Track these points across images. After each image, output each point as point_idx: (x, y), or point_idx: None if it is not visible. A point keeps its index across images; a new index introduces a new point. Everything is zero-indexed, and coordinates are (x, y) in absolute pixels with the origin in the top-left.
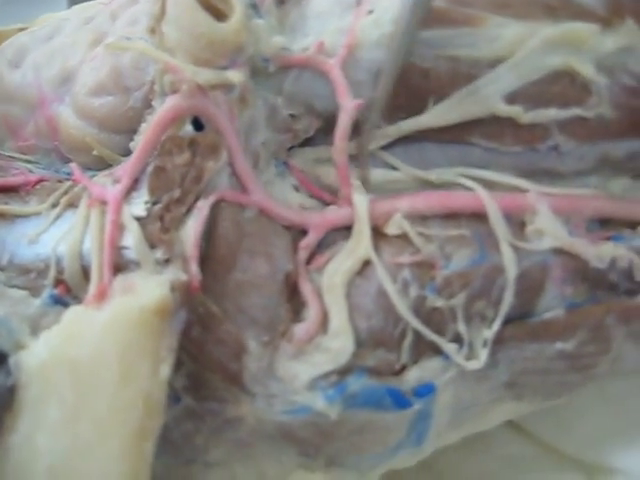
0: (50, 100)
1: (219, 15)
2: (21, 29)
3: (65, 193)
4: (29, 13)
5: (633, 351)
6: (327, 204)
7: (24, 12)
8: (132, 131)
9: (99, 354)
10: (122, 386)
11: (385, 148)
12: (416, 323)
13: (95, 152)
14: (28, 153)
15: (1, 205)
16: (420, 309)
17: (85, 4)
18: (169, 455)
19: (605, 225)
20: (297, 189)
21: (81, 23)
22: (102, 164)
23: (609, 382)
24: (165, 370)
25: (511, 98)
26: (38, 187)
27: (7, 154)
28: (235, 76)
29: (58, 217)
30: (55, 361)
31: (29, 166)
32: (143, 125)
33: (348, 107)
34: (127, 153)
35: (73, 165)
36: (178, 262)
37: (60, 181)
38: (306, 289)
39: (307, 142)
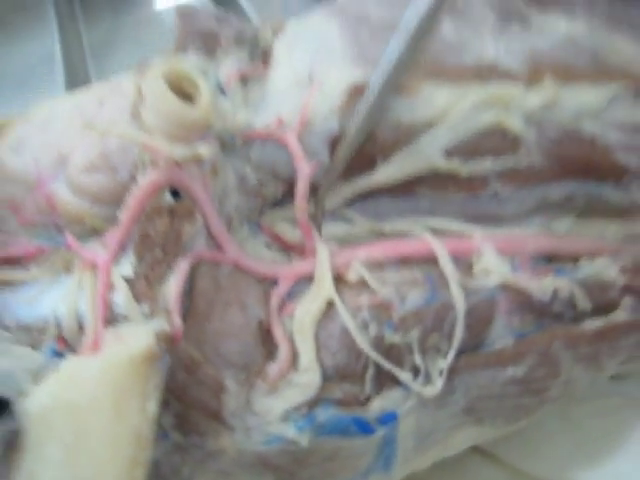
0: (47, 180)
1: (189, 97)
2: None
3: (60, 260)
4: (26, 97)
5: (583, 373)
6: (294, 258)
7: (21, 96)
8: (120, 202)
9: (94, 397)
10: (115, 424)
11: (344, 204)
12: (376, 357)
13: (92, 222)
14: (28, 227)
15: (5, 274)
16: (379, 345)
17: (77, 92)
18: None
19: (549, 261)
20: (268, 246)
21: (72, 111)
22: (95, 232)
23: (571, 407)
24: (152, 407)
25: (449, 153)
26: (38, 256)
27: (9, 230)
28: (206, 150)
29: (55, 281)
30: (54, 405)
31: (29, 238)
32: (128, 196)
33: (304, 172)
34: (116, 221)
35: (67, 234)
36: (162, 315)
37: (57, 249)
38: (278, 333)
39: (275, 203)
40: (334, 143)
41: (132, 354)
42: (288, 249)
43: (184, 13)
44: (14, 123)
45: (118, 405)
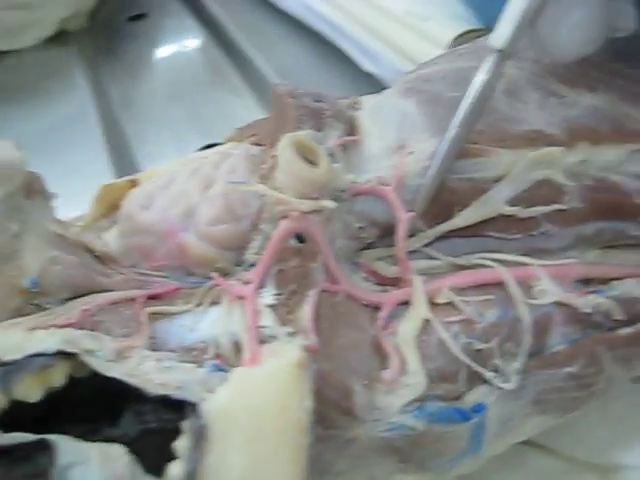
0: (178, 230)
1: (312, 163)
2: (131, 181)
3: (205, 295)
4: (67, 147)
5: (621, 371)
6: (389, 289)
7: (64, 146)
8: (242, 248)
9: (265, 396)
10: (282, 417)
11: (427, 245)
12: (466, 361)
13: (218, 265)
14: (160, 271)
15: (162, 308)
16: (468, 351)
17: (186, 158)
18: (309, 469)
19: (586, 283)
20: (366, 280)
21: (189, 173)
22: (221, 273)
23: (607, 403)
24: (309, 404)
25: (512, 202)
26: (177, 294)
27: (145, 272)
28: (327, 204)
29: (205, 312)
30: (233, 404)
31: (164, 279)
32: (254, 242)
33: (404, 218)
34: (238, 264)
35: (214, 274)
36: (302, 334)
37: (191, 288)
38: (388, 346)
39: (369, 246)
40: None
41: (290, 363)
42: (383, 282)
43: (291, 93)
44: (124, 183)
45: (284, 402)
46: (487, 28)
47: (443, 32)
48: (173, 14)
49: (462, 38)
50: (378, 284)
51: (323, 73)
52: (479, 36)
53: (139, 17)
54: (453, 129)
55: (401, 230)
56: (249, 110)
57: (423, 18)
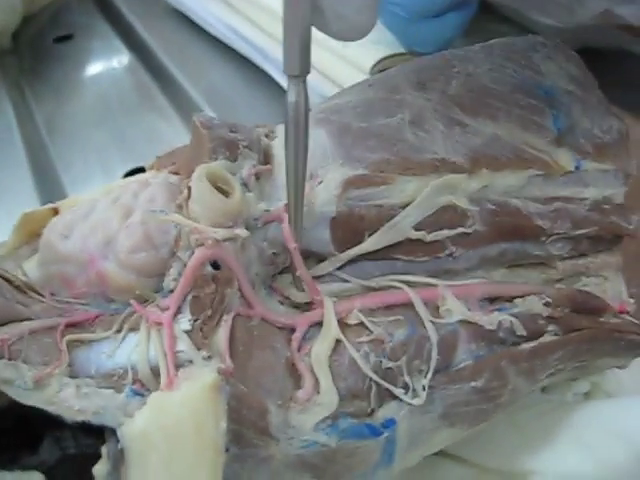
0: (97, 259)
1: (225, 192)
2: (52, 209)
3: (124, 321)
4: None
5: (524, 383)
6: (303, 311)
7: None
8: (161, 275)
9: (181, 418)
10: (198, 438)
11: (339, 269)
12: (377, 379)
13: (137, 292)
14: (80, 299)
15: (79, 335)
16: (378, 370)
17: (107, 186)
18: None
19: (492, 301)
20: (281, 303)
21: (109, 202)
22: (140, 300)
23: (515, 414)
24: (224, 425)
25: (419, 226)
26: (97, 321)
27: (65, 300)
28: (240, 232)
29: (124, 338)
30: (150, 427)
31: (84, 307)
32: (172, 270)
33: (292, 248)
34: (157, 290)
35: (133, 301)
36: (217, 358)
37: (112, 315)
38: (302, 367)
39: (284, 270)
40: (333, 223)
41: (205, 386)
42: (297, 305)
43: (207, 125)
44: (46, 211)
45: (199, 424)
46: (408, 52)
47: (364, 57)
48: (100, 35)
49: (383, 63)
50: (294, 307)
51: (249, 95)
52: (402, 60)
53: (65, 38)
54: (289, 158)
55: (294, 258)
56: (176, 133)
57: (343, 44)
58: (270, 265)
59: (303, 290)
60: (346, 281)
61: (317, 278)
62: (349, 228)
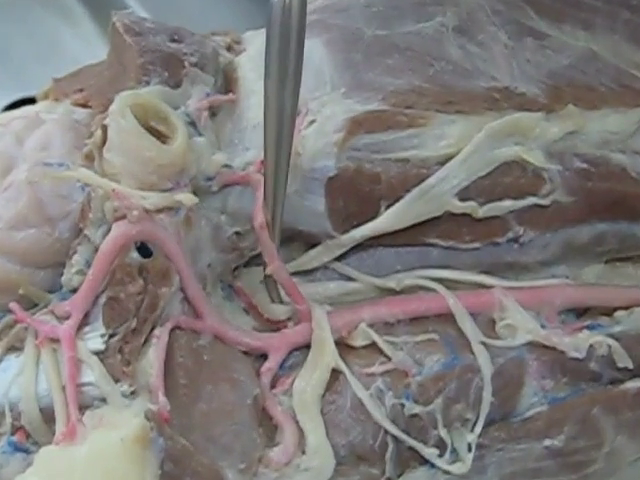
0: None
1: (162, 136)
2: None
3: (1, 336)
4: None
5: (629, 443)
6: (280, 326)
7: None
8: (59, 264)
9: None
10: None
11: (339, 259)
12: (396, 432)
13: (21, 291)
14: None
15: None
16: (398, 417)
17: None
18: None
19: (581, 314)
20: (247, 312)
21: None
22: (27, 303)
23: None
24: None
25: (464, 194)
26: None
27: None
28: (185, 199)
29: (1, 362)
30: None
31: None
32: (75, 257)
33: (257, 225)
34: (54, 289)
35: (14, 305)
36: (145, 393)
37: None
38: (276, 412)
39: (251, 261)
40: (330, 187)
41: (124, 437)
42: (266, 321)
43: (134, 30)
44: None
45: None
46: None
47: None
48: None
49: None
50: (267, 319)
51: None
52: None
53: None
54: (270, 85)
55: (265, 243)
56: (84, 42)
57: None
58: (231, 252)
59: (279, 296)
60: (350, 279)
61: (304, 274)
62: (355, 195)
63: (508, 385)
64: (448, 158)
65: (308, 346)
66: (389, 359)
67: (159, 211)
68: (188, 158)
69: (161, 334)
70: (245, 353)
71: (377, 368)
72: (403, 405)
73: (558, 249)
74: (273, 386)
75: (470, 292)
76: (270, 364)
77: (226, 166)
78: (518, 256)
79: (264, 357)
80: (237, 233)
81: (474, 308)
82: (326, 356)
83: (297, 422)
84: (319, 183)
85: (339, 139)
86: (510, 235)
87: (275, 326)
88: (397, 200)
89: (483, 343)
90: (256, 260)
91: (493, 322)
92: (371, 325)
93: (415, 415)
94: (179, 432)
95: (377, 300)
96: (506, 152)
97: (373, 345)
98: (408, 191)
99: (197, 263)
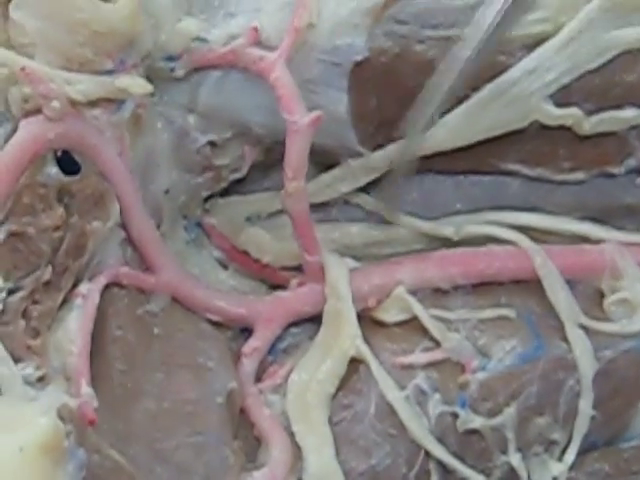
0: None
1: None
2: None
3: None
4: None
5: None
6: (275, 285)
7: None
8: None
9: None
10: None
11: (366, 190)
12: (443, 455)
13: None
14: None
15: None
16: (448, 434)
17: None
18: None
19: None
20: (224, 264)
21: None
22: None
23: None
24: None
25: (563, 97)
26: None
27: None
28: (133, 85)
29: None
30: None
31: None
32: None
33: (302, 124)
34: None
35: None
36: (60, 381)
37: None
38: (261, 418)
39: (234, 188)
40: (361, 74)
41: (23, 444)
42: (260, 271)
43: None
44: None
45: None
46: None
47: None
48: None
49: None
50: (251, 274)
51: None
52: None
53: None
54: None
55: (295, 150)
56: None
57: None
58: (201, 173)
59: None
60: (382, 221)
61: (313, 211)
62: (395, 91)
63: (619, 392)
64: (540, 40)
65: (314, 319)
66: (437, 344)
67: (92, 104)
68: (139, 24)
69: (89, 293)
70: (218, 326)
71: (418, 357)
72: (456, 415)
73: None
74: (259, 378)
75: (567, 247)
76: (256, 343)
77: (199, 39)
78: None
79: (247, 333)
80: (212, 144)
81: (572, 272)
82: (343, 337)
83: (292, 434)
84: (341, 71)
85: (374, 4)
86: (632, 163)
87: (264, 283)
88: (460, 102)
89: (583, 326)
90: (240, 187)
91: (601, 295)
92: (413, 292)
93: (474, 431)
94: (110, 442)
95: (424, 255)
96: (630, 35)
97: (414, 322)
98: (477, 89)
99: (149, 187)
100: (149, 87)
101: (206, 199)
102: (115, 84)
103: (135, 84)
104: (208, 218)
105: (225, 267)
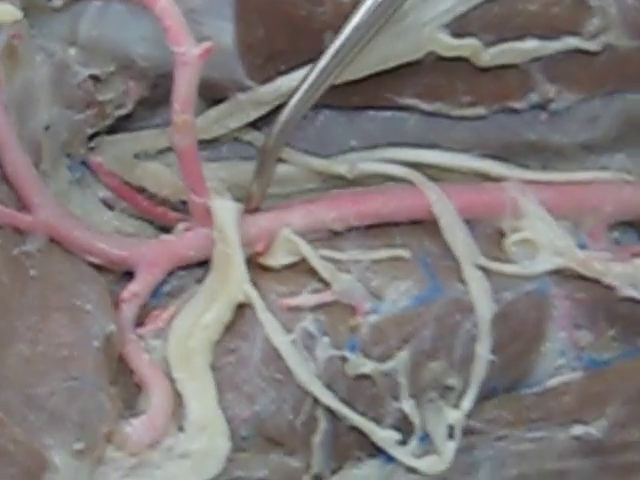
0: None
1: None
2: None
3: None
4: None
5: None
6: (162, 227)
7: None
8: None
9: None
10: None
11: (258, 127)
12: (332, 401)
13: None
14: None
15: None
16: (337, 379)
17: None
18: None
19: None
20: (109, 204)
21: None
22: None
23: None
24: None
25: (460, 26)
26: None
27: None
28: (4, 11)
29: None
30: None
31: None
32: None
33: (191, 56)
34: None
35: None
36: None
37: None
38: (141, 363)
39: (121, 125)
40: (247, 3)
41: None
42: (145, 211)
43: None
44: None
45: None
46: None
47: None
48: None
49: None
50: (138, 216)
51: None
52: None
53: None
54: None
55: (184, 84)
56: None
57: None
58: (84, 109)
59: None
60: (280, 159)
61: (200, 148)
62: (285, 20)
63: (519, 336)
64: None
65: (201, 264)
66: (327, 285)
67: None
68: None
69: None
70: (99, 269)
71: (306, 299)
72: (346, 359)
73: (612, 125)
74: (140, 323)
75: (466, 186)
76: (136, 288)
77: None
78: (547, 133)
79: (129, 277)
80: (94, 78)
81: (471, 211)
82: (231, 283)
83: (173, 381)
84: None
85: None
86: (534, 98)
87: (150, 223)
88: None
89: (482, 267)
90: (127, 124)
91: (501, 235)
92: (301, 232)
93: (365, 377)
94: None
95: (315, 197)
96: None
97: (303, 263)
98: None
99: (27, 122)
100: (18, 14)
101: (91, 137)
102: None
103: (6, 11)
104: (94, 156)
105: (110, 208)
